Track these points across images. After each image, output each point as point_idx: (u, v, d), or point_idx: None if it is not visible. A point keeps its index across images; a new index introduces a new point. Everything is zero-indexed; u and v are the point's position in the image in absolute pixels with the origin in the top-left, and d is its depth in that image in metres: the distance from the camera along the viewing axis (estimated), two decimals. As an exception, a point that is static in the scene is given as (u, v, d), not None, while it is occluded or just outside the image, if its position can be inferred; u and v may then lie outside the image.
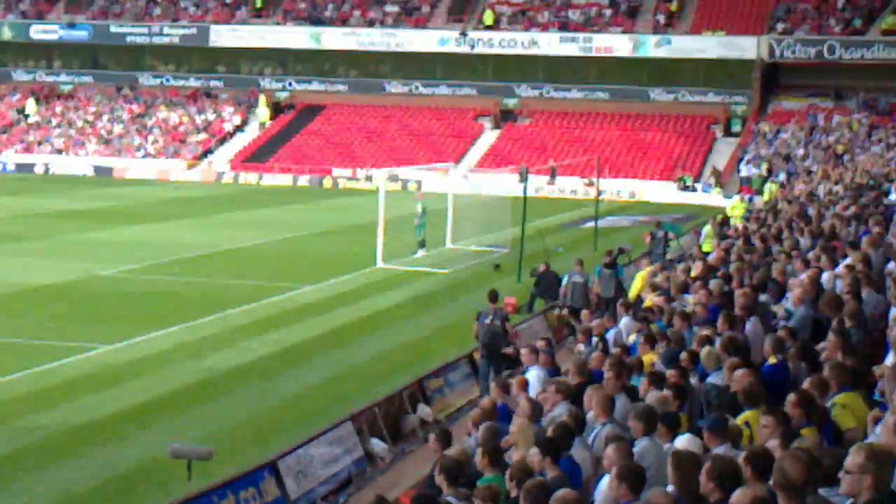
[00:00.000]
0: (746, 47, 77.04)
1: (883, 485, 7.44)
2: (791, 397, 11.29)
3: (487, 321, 23.99)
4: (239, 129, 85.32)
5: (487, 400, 15.34)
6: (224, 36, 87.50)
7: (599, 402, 13.00)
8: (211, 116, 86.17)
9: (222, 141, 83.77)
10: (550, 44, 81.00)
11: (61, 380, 24.61)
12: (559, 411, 14.00)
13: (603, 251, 34.10)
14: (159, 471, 18.27)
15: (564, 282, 30.27)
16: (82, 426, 21.32)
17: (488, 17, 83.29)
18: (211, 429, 21.08)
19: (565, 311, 29.15)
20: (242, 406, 23.00)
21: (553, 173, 69.70)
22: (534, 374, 17.55)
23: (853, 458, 7.52)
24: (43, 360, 25.84)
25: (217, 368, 25.90)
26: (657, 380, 13.91)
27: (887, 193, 31.38)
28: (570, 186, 70.40)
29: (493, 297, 25.06)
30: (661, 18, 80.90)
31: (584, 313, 22.78)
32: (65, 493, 17.97)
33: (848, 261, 20.17)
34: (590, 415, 13.26)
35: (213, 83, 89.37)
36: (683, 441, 11.48)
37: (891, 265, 19.83)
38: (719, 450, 10.69)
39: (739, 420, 11.81)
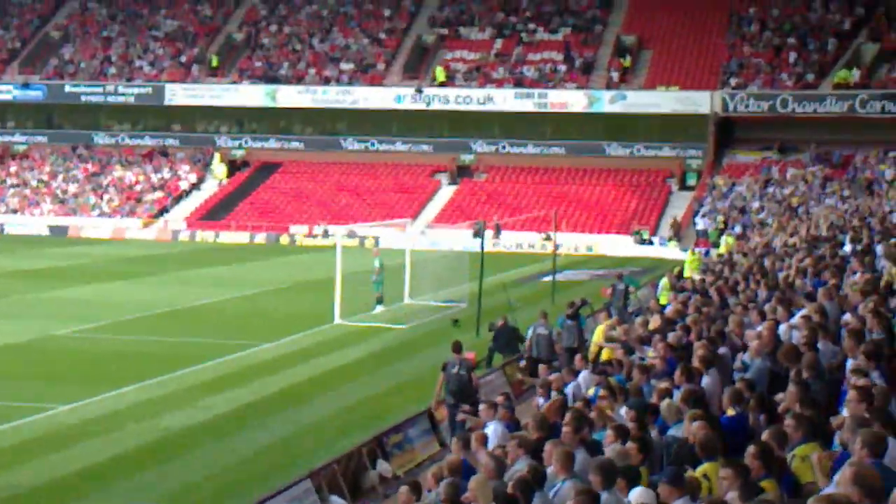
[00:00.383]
0: (700, 102, 77.66)
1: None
2: (750, 449, 11.31)
3: (454, 371, 24.25)
4: (195, 186, 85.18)
5: (454, 456, 15.26)
6: (179, 95, 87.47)
7: (559, 457, 12.96)
8: (167, 175, 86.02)
9: (178, 199, 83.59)
10: (506, 100, 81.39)
11: (16, 440, 24.40)
12: (520, 466, 13.99)
13: (562, 304, 34.16)
14: (117, 532, 18.12)
15: (529, 334, 30.29)
16: (38, 488, 21.08)
17: (440, 74, 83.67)
18: (169, 488, 20.94)
19: (523, 364, 29.11)
20: (200, 465, 22.84)
21: (498, 229, 69.79)
22: (493, 429, 17.50)
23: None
24: (-2, 421, 25.64)
25: (174, 427, 25.72)
26: (621, 433, 13.88)
27: (842, 245, 31.60)
28: (528, 241, 70.61)
29: (458, 347, 25.27)
30: (616, 74, 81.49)
31: (542, 368, 22.76)
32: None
33: (804, 312, 20.27)
34: (550, 469, 13.23)
35: (168, 142, 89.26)
36: (637, 494, 11.47)
37: (846, 316, 19.94)
38: (677, 503, 10.70)
39: (698, 472, 11.81)
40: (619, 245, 70.00)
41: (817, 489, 10.31)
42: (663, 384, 16.77)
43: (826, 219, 46.77)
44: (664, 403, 15.31)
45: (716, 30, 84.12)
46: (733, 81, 78.10)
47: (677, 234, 70.01)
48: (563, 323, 30.87)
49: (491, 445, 16.23)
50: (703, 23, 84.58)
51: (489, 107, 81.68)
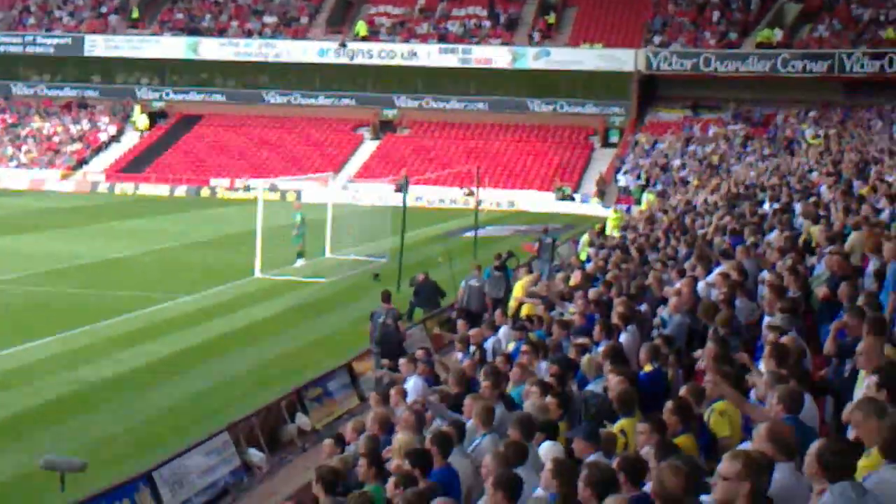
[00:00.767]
0: (624, 59, 77.84)
1: (760, 493, 7.46)
2: (668, 404, 11.36)
3: (381, 320, 24.58)
4: (115, 138, 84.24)
5: (378, 410, 15.21)
6: (99, 46, 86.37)
7: (480, 412, 12.98)
8: (86, 126, 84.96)
9: (98, 151, 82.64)
10: (430, 55, 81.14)
11: (-69, 392, 24.11)
12: (440, 421, 14.00)
13: (484, 260, 34.21)
14: (32, 483, 17.97)
15: (462, 286, 30.39)
16: (-48, 439, 20.88)
17: (361, 28, 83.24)
18: (86, 441, 20.74)
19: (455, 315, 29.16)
20: (118, 418, 22.66)
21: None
22: (413, 384, 17.49)
23: (730, 465, 7.51)
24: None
25: (92, 380, 25.50)
26: (541, 388, 13.89)
27: (761, 203, 31.84)
28: (450, 196, 70.57)
29: (387, 297, 25.55)
30: (540, 31, 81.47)
31: (460, 323, 22.78)
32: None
33: (722, 269, 20.38)
34: (469, 424, 13.25)
35: (88, 93, 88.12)
36: (546, 448, 11.50)
37: (764, 273, 20.08)
38: (591, 458, 10.71)
39: (616, 428, 11.87)
40: (541, 201, 70.15)
41: (734, 444, 10.36)
42: (580, 340, 16.84)
43: (745, 177, 47.13)
44: (584, 359, 15.38)
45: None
46: (657, 39, 78.34)
47: (601, 190, 70.27)
48: (490, 274, 31.00)
49: (410, 400, 16.23)
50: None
51: (413, 62, 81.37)
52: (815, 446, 7.68)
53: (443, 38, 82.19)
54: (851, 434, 9.12)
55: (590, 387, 14.58)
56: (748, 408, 11.28)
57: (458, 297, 30.60)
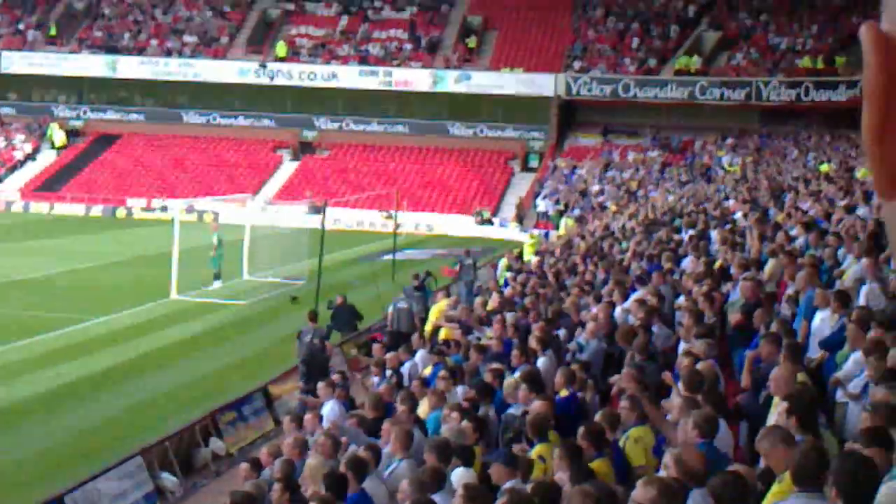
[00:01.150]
0: (544, 84, 78.17)
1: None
2: (581, 429, 11.39)
3: (307, 339, 24.69)
4: (30, 157, 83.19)
5: (295, 434, 15.11)
6: (16, 62, 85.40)
7: (398, 437, 12.96)
8: (1, 144, 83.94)
9: (13, 169, 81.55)
10: (350, 77, 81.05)
11: None
12: (356, 446, 13.96)
13: (402, 283, 34.22)
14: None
15: (390, 309, 30.39)
16: None
17: (282, 49, 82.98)
18: (-7, 465, 20.43)
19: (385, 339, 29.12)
20: (29, 440, 22.34)
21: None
22: (330, 408, 17.42)
23: (644, 492, 7.56)
24: None
25: (2, 401, 25.10)
26: (459, 412, 13.88)
27: (678, 229, 32.09)
28: (369, 219, 70.44)
29: (313, 316, 25.79)
30: (461, 55, 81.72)
31: (376, 346, 22.76)
32: None
33: (639, 295, 20.50)
34: (387, 449, 13.22)
35: (4, 110, 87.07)
36: (459, 474, 11.48)
37: (681, 299, 20.24)
38: (509, 484, 10.70)
39: (533, 453, 11.86)
40: (460, 225, 70.20)
41: (648, 472, 10.39)
42: (495, 365, 16.86)
43: (663, 203, 47.49)
44: (506, 383, 15.34)
45: (561, 14, 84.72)
46: (577, 65, 78.81)
47: (520, 215, 70.46)
48: (408, 293, 31.07)
49: (327, 424, 16.18)
50: (549, 7, 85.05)
51: (333, 83, 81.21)
52: (709, 482, 7.79)
53: (364, 60, 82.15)
54: (762, 462, 9.21)
55: (510, 411, 14.59)
56: (667, 428, 11.33)
57: (387, 320, 30.55)
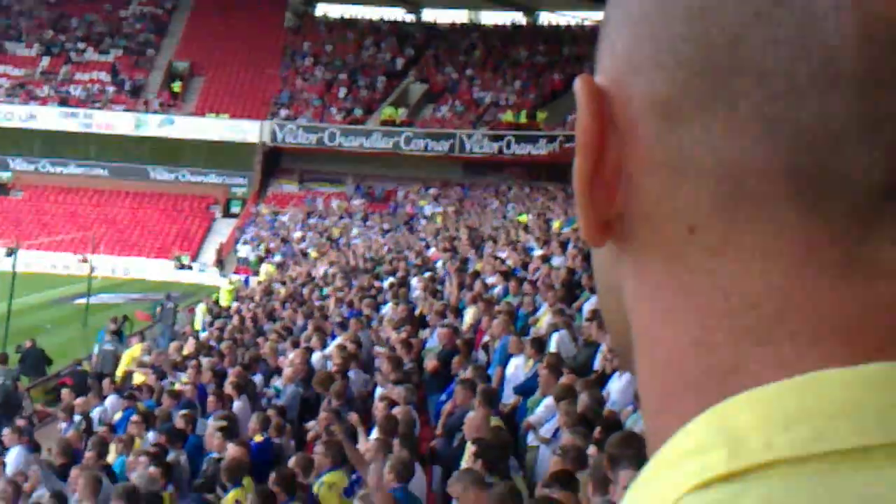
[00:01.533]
0: (249, 131, 77.81)
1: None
2: (272, 475, 11.25)
3: None
4: None
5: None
6: None
7: (87, 483, 12.59)
8: None
9: None
10: (49, 118, 78.95)
11: None
12: (42, 492, 13.53)
13: (96, 327, 33.35)
14: None
15: (95, 350, 29.67)
16: None
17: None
18: None
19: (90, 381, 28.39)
20: None
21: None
22: (16, 454, 16.75)
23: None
24: None
25: None
26: (149, 458, 13.54)
27: (379, 277, 32.26)
28: (63, 262, 68.59)
29: (3, 358, 25.53)
30: (166, 99, 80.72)
31: (65, 392, 22.09)
32: None
33: (338, 340, 20.45)
34: (75, 497, 12.82)
35: None
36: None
37: (378, 346, 20.30)
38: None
39: (228, 498, 11.66)
40: (159, 269, 69.07)
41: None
42: (185, 411, 16.55)
43: (365, 251, 47.74)
44: (213, 427, 14.99)
45: (269, 62, 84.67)
46: (283, 113, 78.83)
47: (220, 260, 69.79)
48: (102, 337, 30.56)
49: (11, 470, 15.61)
50: (258, 54, 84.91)
51: (31, 124, 78.96)
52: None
53: (64, 102, 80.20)
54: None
55: (212, 455, 14.31)
56: (365, 470, 11.26)
57: (93, 362, 29.75)
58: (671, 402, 0.78)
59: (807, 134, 0.68)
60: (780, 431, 0.68)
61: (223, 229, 75.86)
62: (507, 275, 23.12)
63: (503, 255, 27.88)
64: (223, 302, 40.00)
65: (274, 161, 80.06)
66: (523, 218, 42.75)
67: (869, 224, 0.69)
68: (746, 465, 0.68)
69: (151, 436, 15.99)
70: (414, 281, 28.33)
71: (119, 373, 25.59)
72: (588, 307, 16.77)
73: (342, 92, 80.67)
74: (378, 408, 14.30)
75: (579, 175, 0.76)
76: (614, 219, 0.79)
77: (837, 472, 0.66)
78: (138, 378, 22.61)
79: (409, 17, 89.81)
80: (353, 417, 13.75)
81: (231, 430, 14.34)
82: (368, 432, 13.44)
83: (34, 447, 17.84)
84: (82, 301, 44.93)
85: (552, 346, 15.28)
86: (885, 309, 0.69)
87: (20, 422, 18.95)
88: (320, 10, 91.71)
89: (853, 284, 0.70)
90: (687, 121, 0.73)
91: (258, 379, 19.63)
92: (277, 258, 65.30)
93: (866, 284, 0.70)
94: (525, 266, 24.55)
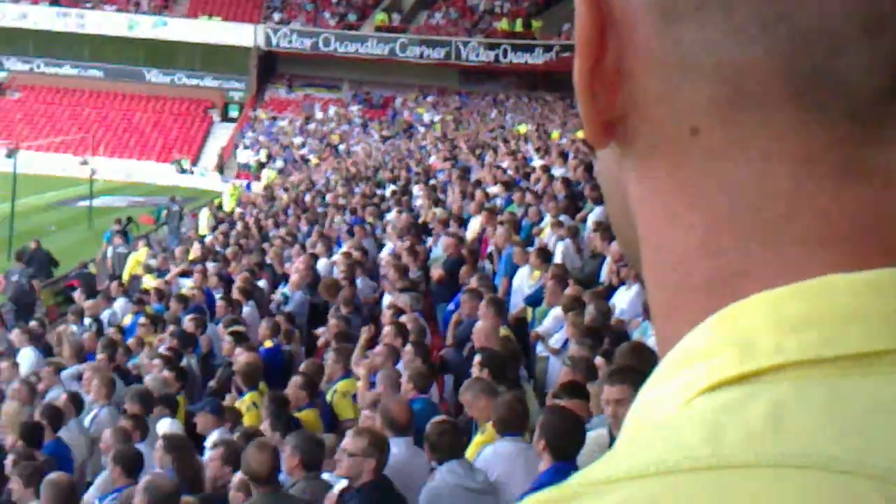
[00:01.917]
0: (244, 35, 77.49)
1: (382, 468, 7.76)
2: (297, 379, 11.45)
3: (14, 279, 25.26)
4: None
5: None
6: None
7: (101, 384, 12.85)
8: None
9: None
10: (42, 17, 78.51)
11: None
12: (56, 393, 13.77)
13: (100, 229, 33.63)
14: None
15: (108, 253, 30.01)
16: None
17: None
18: None
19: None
20: None
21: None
22: (27, 355, 17.05)
23: (356, 442, 7.75)
24: None
25: None
26: (161, 361, 13.82)
27: (381, 184, 32.45)
28: (63, 164, 68.60)
29: (20, 256, 26.61)
30: (158, 0, 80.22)
31: (77, 294, 22.38)
32: None
33: (343, 248, 20.69)
34: (89, 397, 13.10)
35: None
36: (165, 424, 11.43)
37: (383, 252, 20.54)
38: (215, 433, 10.74)
39: (246, 400, 11.90)
40: (159, 173, 69.12)
41: (355, 425, 10.53)
42: (195, 315, 16.77)
43: (366, 158, 47.89)
44: (227, 333, 15.15)
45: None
46: (276, 17, 78.47)
47: (221, 165, 69.83)
48: (110, 238, 30.92)
49: (24, 371, 15.90)
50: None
51: (23, 23, 78.51)
52: (426, 430, 8.06)
53: (56, 1, 79.71)
54: (466, 413, 9.50)
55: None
56: (365, 385, 11.51)
57: (97, 265, 30.15)
58: (679, 305, 0.80)
59: (805, 35, 0.70)
60: (790, 335, 0.69)
61: (222, 134, 75.76)
62: (510, 185, 23.33)
63: (504, 164, 28.05)
64: (226, 207, 40.23)
65: (270, 66, 79.80)
66: (522, 128, 42.89)
67: (872, 128, 0.71)
68: (757, 367, 0.69)
69: (161, 339, 16.26)
70: (416, 189, 28.52)
71: (125, 276, 25.86)
72: (592, 218, 16.99)
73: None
74: (385, 315, 14.53)
75: (580, 74, 0.79)
76: (617, 120, 0.81)
77: (847, 377, 0.68)
78: (147, 282, 22.87)
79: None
80: (370, 330, 13.95)
81: (242, 336, 14.63)
82: (376, 340, 13.68)
83: (45, 349, 18.16)
84: (85, 204, 45.08)
85: (557, 258, 15.52)
86: (892, 214, 0.72)
87: (32, 323, 19.25)
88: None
89: (858, 188, 0.72)
90: (685, 19, 0.74)
91: (264, 285, 19.90)
92: (278, 164, 65.43)
93: (872, 188, 0.72)
94: (527, 176, 24.74)
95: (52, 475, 8.98)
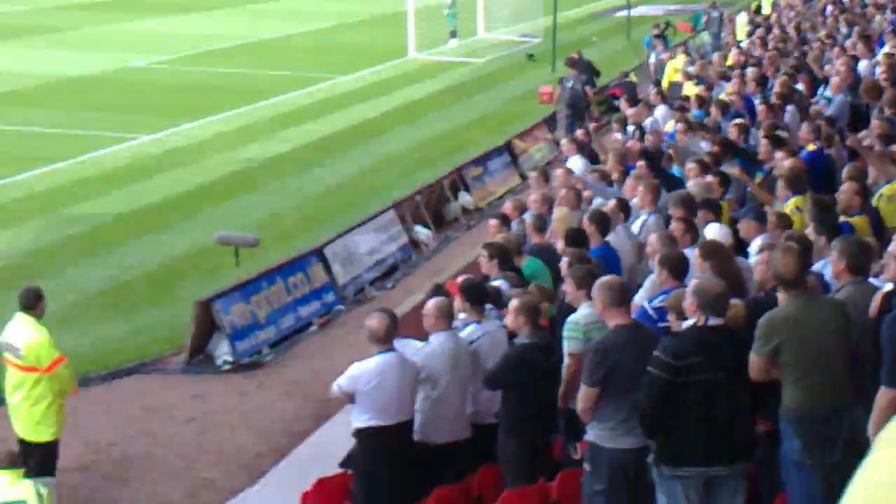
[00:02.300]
0: None
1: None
2: (852, 186, 11.26)
3: (569, 85, 26.41)
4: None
5: (541, 190, 15.23)
6: None
7: (646, 190, 13.02)
8: None
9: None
10: None
11: (103, 170, 24.96)
12: (600, 199, 14.10)
13: (637, 40, 34.11)
14: (207, 257, 18.65)
15: (651, 59, 31.42)
16: (128, 215, 21.64)
17: None
18: (254, 217, 21.37)
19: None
20: (284, 195, 23.30)
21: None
22: (575, 163, 17.61)
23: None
24: (82, 150, 26.15)
25: (256, 158, 26.15)
26: (700, 166, 13.86)
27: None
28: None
29: (572, 62, 27.61)
30: None
31: (623, 102, 22.67)
32: (115, 279, 18.33)
33: (886, 48, 20.11)
34: (634, 202, 13.31)
35: None
36: (713, 229, 11.43)
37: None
38: (758, 238, 10.71)
39: (789, 205, 11.79)
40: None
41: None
42: (739, 120, 16.66)
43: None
44: (763, 139, 15.08)
45: None
46: None
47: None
48: (649, 42, 32.20)
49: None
50: None
51: None
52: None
53: None
54: None
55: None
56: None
57: (648, 72, 31.15)
58: None
59: None
60: None
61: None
62: None
63: None
64: (765, 10, 39.56)
65: None
66: None
67: None
68: None
69: (703, 145, 16.36)
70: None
71: (664, 83, 26.14)
72: None
73: None
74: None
75: None
76: None
77: None
78: (688, 89, 22.92)
79: None
80: (854, 141, 13.43)
81: (779, 140, 14.56)
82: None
83: (591, 156, 18.75)
84: (622, 14, 45.58)
85: None
86: None
87: (578, 132, 19.89)
88: None
89: None
90: None
91: (802, 88, 19.68)
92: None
93: None
94: None
95: (604, 277, 9.14)
